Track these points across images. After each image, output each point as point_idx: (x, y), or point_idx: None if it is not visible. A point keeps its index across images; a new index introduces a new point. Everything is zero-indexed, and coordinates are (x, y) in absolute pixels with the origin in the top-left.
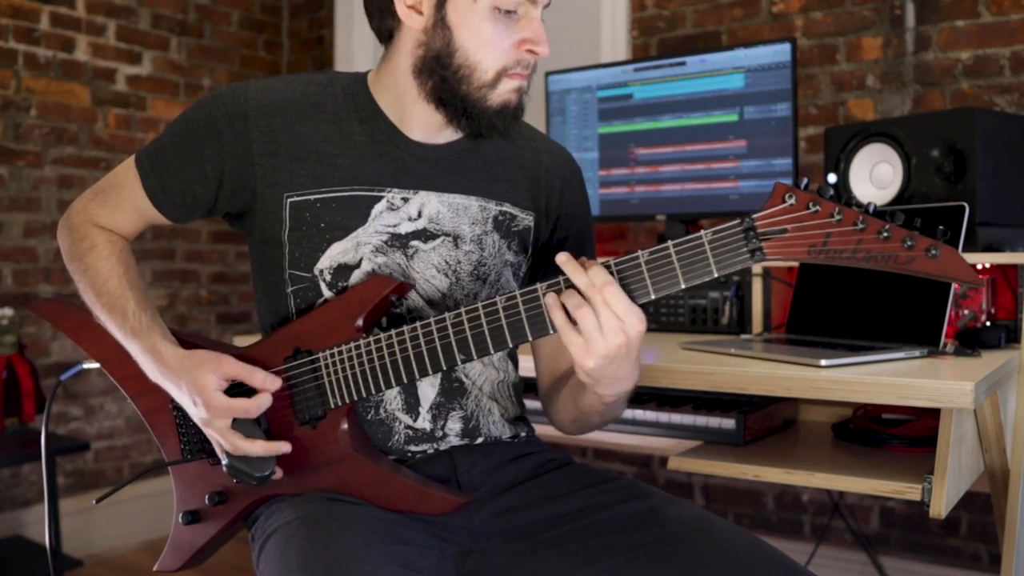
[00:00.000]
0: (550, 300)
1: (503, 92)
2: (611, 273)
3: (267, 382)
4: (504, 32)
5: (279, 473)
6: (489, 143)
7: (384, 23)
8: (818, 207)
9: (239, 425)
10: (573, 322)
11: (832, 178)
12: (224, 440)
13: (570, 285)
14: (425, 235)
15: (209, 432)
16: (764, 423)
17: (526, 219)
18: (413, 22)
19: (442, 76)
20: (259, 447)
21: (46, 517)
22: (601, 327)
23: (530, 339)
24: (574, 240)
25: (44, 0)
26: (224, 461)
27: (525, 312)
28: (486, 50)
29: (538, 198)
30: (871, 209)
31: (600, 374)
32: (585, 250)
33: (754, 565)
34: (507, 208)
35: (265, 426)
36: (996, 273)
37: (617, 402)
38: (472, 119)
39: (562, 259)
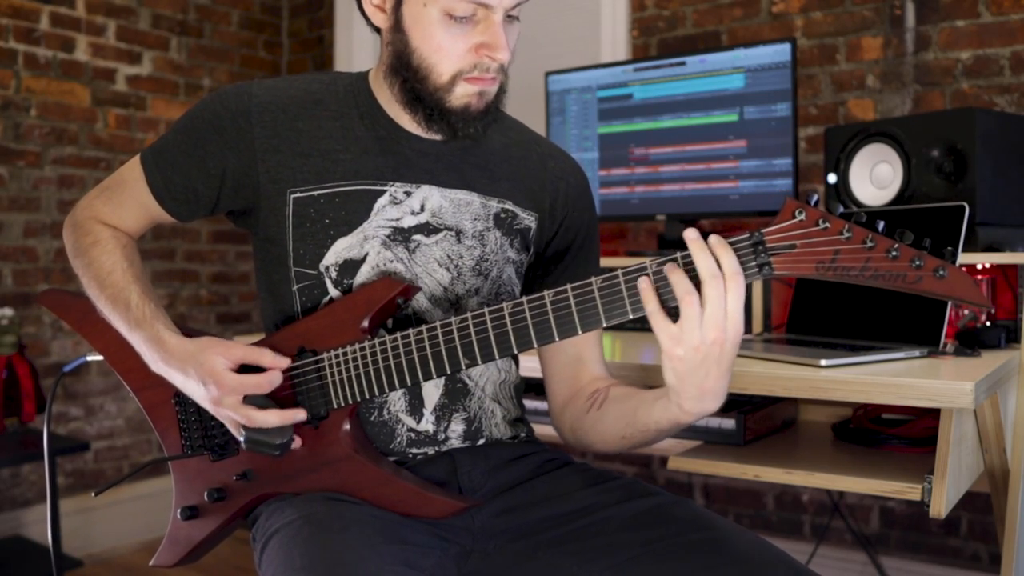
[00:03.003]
0: (644, 285)
1: (461, 95)
2: (618, 283)
3: (276, 360)
4: (459, 36)
5: (298, 441)
6: (491, 143)
7: (369, 22)
8: (828, 224)
9: (250, 400)
10: (667, 312)
11: (832, 178)
12: (238, 415)
13: (661, 267)
14: (427, 229)
15: (221, 412)
16: (764, 423)
17: (527, 219)
18: (379, 21)
19: (405, 77)
20: (274, 416)
21: (48, 517)
22: (703, 317)
23: (535, 346)
24: (580, 246)
25: (44, 0)
26: (242, 438)
27: (531, 319)
28: (439, 54)
29: (542, 199)
30: (880, 227)
31: (688, 382)
32: (591, 258)
33: (755, 564)
34: (508, 206)
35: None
36: (996, 273)
37: (690, 423)
38: (434, 121)
39: (691, 236)
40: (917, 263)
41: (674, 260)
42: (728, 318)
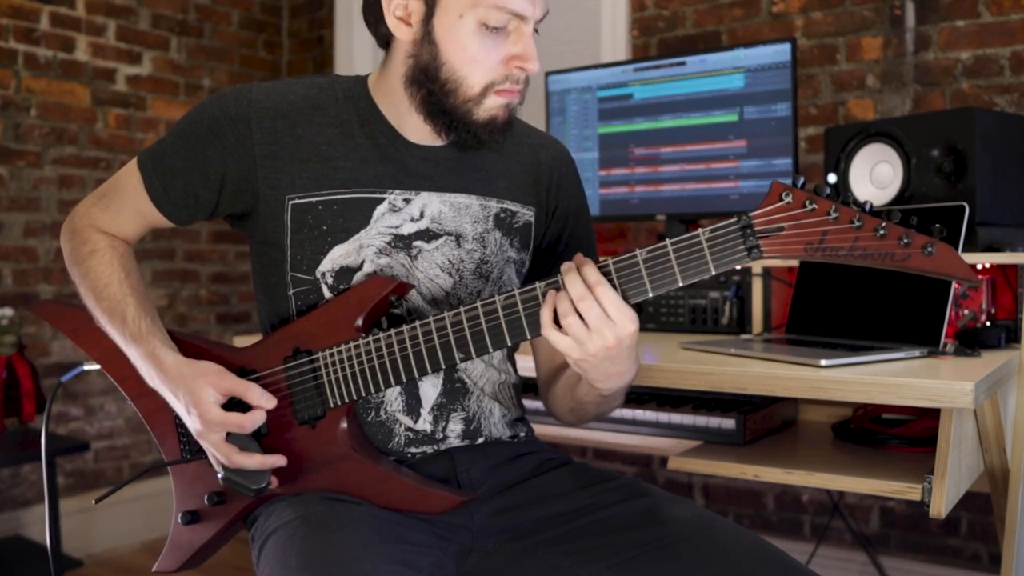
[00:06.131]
0: (548, 297)
1: (490, 107)
2: (610, 272)
3: (263, 400)
4: (492, 48)
5: (275, 483)
6: None
7: (379, 30)
8: (815, 205)
9: (234, 438)
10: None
11: (832, 178)
12: (219, 453)
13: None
14: (428, 235)
15: (203, 443)
16: (764, 423)
17: (526, 215)
18: (402, 34)
19: (429, 89)
20: (254, 461)
21: (47, 517)
22: (589, 328)
23: (528, 337)
24: (572, 232)
25: (44, 0)
26: (220, 473)
27: (524, 311)
28: (472, 65)
29: (538, 192)
30: (868, 207)
31: (593, 372)
32: (583, 243)
33: (754, 563)
34: (507, 205)
35: (264, 429)
36: (996, 273)
37: (614, 395)
38: (458, 132)
39: (565, 267)
40: (905, 241)
41: (555, 282)
42: (614, 323)
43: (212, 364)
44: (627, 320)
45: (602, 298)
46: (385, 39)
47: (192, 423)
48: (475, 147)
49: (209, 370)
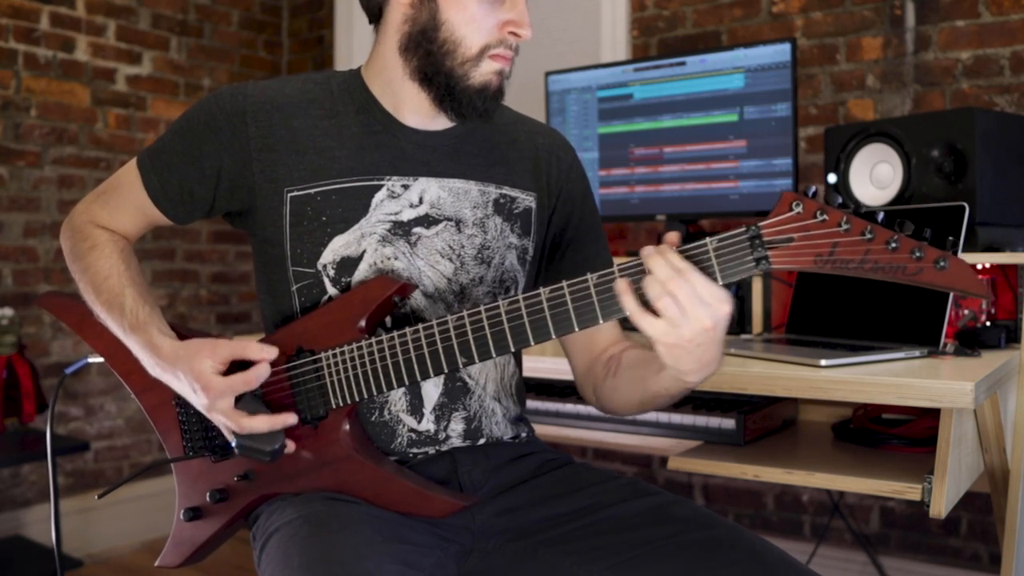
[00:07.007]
0: (621, 286)
1: (485, 72)
2: (616, 278)
3: (263, 352)
4: (489, 11)
5: (291, 446)
6: (483, 129)
7: (372, 0)
8: (826, 216)
9: (243, 404)
10: (645, 307)
11: (832, 178)
12: (229, 420)
13: (636, 272)
14: (427, 221)
15: (214, 417)
16: (764, 423)
17: (527, 200)
18: None
19: (427, 50)
20: (263, 422)
21: (52, 517)
22: (685, 313)
23: (532, 343)
24: (581, 216)
25: (44, 0)
26: (233, 443)
27: (527, 316)
28: (471, 26)
29: (538, 177)
30: (879, 219)
31: (686, 361)
32: (592, 229)
33: (755, 563)
34: (506, 191)
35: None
36: (996, 273)
37: (692, 387)
38: (455, 97)
39: (646, 251)
40: (917, 254)
41: (612, 274)
42: (709, 304)
43: (203, 339)
44: (720, 301)
45: (693, 281)
46: (378, 8)
47: (198, 399)
48: (470, 115)
49: (203, 344)
